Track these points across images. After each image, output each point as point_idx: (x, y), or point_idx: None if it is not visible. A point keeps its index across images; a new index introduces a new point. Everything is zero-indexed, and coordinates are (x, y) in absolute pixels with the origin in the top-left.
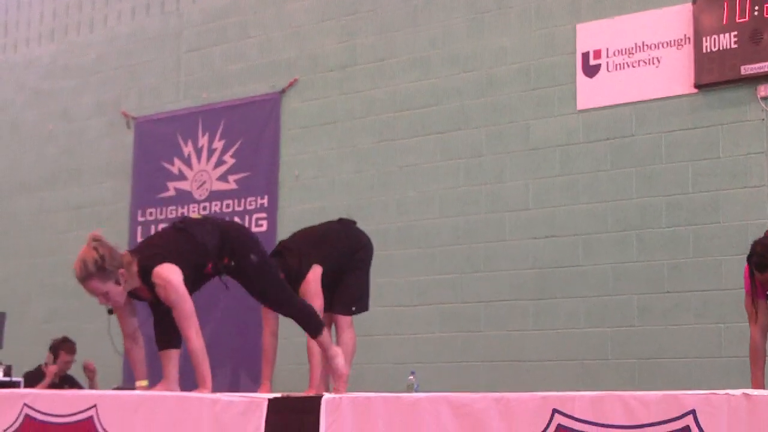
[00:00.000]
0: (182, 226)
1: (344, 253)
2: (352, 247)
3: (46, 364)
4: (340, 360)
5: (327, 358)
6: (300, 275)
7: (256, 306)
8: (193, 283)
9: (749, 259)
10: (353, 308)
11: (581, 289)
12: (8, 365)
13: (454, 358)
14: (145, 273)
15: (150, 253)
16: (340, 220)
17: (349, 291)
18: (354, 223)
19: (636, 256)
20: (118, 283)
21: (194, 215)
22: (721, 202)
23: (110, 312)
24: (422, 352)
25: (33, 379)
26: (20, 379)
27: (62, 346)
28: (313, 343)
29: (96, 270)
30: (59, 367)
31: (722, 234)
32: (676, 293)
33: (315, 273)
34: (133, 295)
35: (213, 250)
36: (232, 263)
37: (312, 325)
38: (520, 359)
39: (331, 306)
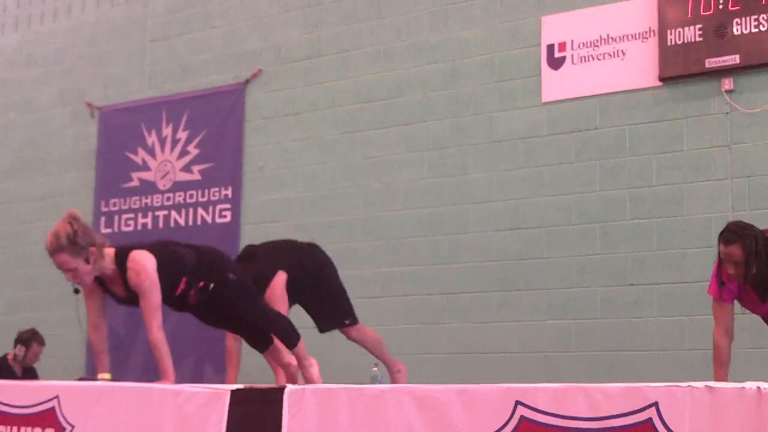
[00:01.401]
0: (162, 240)
1: (309, 267)
2: (317, 261)
3: (15, 355)
4: (315, 370)
5: (302, 368)
6: (266, 279)
7: None
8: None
9: (719, 236)
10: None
11: (545, 281)
12: None
13: (418, 350)
14: (121, 259)
15: (128, 244)
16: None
17: (341, 301)
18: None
19: (599, 249)
20: (87, 261)
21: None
22: (684, 195)
23: (76, 291)
24: (386, 344)
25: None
26: None
27: (34, 338)
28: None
29: (67, 243)
30: (30, 359)
31: (686, 227)
32: (640, 286)
33: (280, 278)
34: (106, 290)
35: (190, 266)
36: (210, 285)
37: (289, 337)
38: (483, 351)
39: (333, 321)
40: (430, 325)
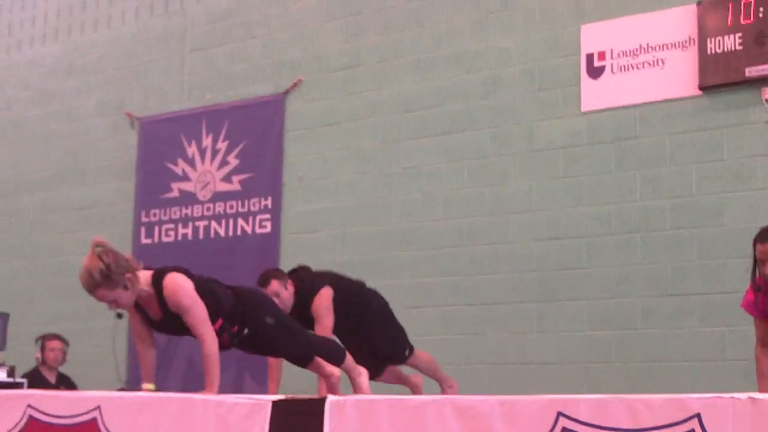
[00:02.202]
0: (203, 276)
1: (357, 294)
2: (364, 294)
3: (37, 359)
4: (364, 379)
5: (351, 380)
6: (312, 291)
7: None
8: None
9: (755, 239)
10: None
11: (585, 291)
12: (12, 366)
13: (457, 361)
14: (157, 281)
15: (166, 267)
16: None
17: (395, 335)
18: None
19: (640, 259)
20: (125, 288)
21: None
22: (725, 205)
23: (119, 316)
24: None
25: (32, 378)
26: (24, 380)
27: (45, 337)
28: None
29: (102, 279)
30: (51, 357)
31: (726, 237)
32: (680, 296)
33: (327, 291)
34: (142, 312)
35: (227, 308)
36: (245, 331)
37: (335, 356)
38: (523, 362)
39: (392, 359)
40: (470, 336)
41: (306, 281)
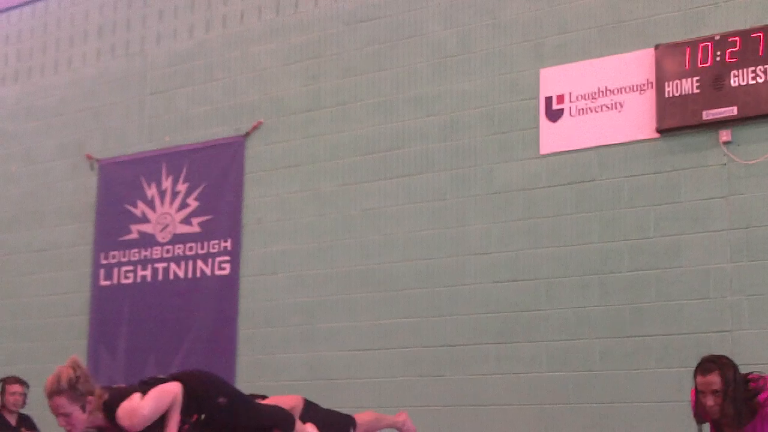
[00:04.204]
0: (149, 381)
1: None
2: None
3: None
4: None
5: None
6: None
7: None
8: None
9: (696, 370)
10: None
11: (543, 333)
12: None
13: (416, 402)
14: (110, 409)
15: (118, 392)
16: None
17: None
18: None
19: (598, 301)
20: (83, 409)
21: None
22: (682, 247)
23: None
24: (384, 396)
25: None
26: None
27: (6, 380)
28: None
29: (67, 387)
30: (11, 401)
31: (684, 278)
32: (638, 337)
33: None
34: None
35: (183, 410)
36: (202, 416)
37: (286, 425)
38: (481, 403)
39: None
40: (429, 377)
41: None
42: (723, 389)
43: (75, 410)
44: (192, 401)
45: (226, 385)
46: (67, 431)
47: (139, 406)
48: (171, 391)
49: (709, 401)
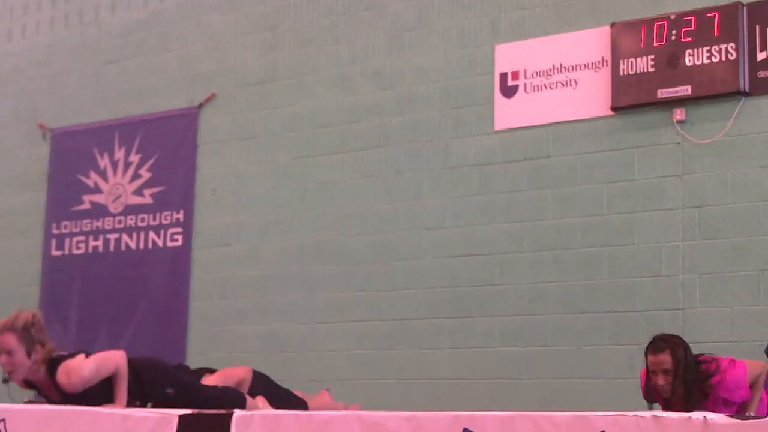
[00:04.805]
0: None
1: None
2: None
3: None
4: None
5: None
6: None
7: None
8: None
9: (647, 348)
10: None
11: (497, 308)
12: None
13: (370, 376)
14: (52, 368)
15: (67, 355)
16: None
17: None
18: None
19: (551, 277)
20: (29, 355)
21: None
22: (635, 225)
23: (5, 381)
24: (338, 369)
25: None
26: None
27: None
28: None
29: (21, 327)
30: None
31: (637, 256)
32: (591, 314)
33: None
34: (42, 393)
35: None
36: (148, 405)
37: (236, 404)
38: (434, 377)
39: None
40: (382, 351)
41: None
42: (674, 368)
43: (20, 352)
44: (137, 388)
45: (175, 374)
46: (7, 372)
47: (79, 366)
48: (114, 359)
49: (660, 380)
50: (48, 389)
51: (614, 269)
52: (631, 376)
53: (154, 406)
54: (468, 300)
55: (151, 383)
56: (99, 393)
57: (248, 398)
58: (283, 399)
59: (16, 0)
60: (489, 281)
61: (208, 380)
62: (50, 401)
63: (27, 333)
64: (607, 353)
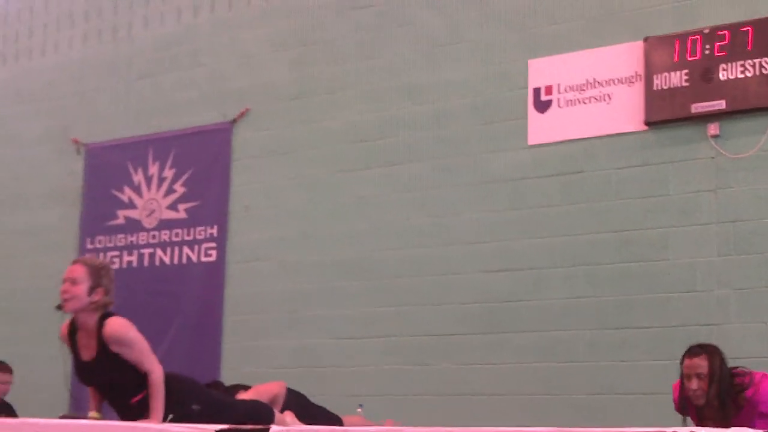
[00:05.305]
0: None
1: None
2: None
3: None
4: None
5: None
6: None
7: (209, 326)
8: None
9: (684, 354)
10: None
11: (530, 323)
12: None
13: (403, 391)
14: (101, 319)
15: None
16: None
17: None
18: None
19: (585, 292)
20: (89, 292)
21: None
22: (670, 239)
23: (59, 307)
24: (371, 385)
25: None
26: None
27: None
28: None
29: (93, 266)
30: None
31: (671, 271)
32: (625, 329)
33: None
34: (74, 351)
35: None
36: (169, 417)
37: (266, 420)
38: (468, 393)
39: None
40: (415, 367)
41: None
42: (709, 374)
43: (84, 285)
44: (167, 399)
45: (202, 392)
46: (62, 299)
47: (131, 326)
48: (156, 369)
49: (694, 385)
50: (88, 338)
51: (649, 284)
52: (667, 391)
53: (175, 419)
54: (501, 315)
55: (179, 397)
56: (137, 408)
57: (276, 413)
58: (318, 415)
59: (49, 16)
60: (522, 296)
61: (242, 396)
62: (78, 363)
63: (96, 272)
64: (641, 369)
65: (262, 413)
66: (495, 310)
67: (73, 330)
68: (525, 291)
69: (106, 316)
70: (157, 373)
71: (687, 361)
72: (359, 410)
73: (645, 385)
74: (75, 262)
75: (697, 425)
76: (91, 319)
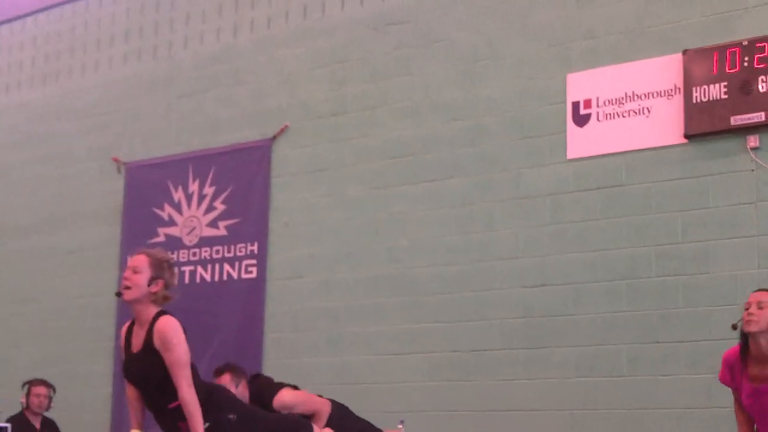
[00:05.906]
0: None
1: None
2: None
3: (22, 404)
4: None
5: None
6: (271, 394)
7: (249, 343)
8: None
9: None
10: None
11: (571, 338)
12: None
13: (443, 407)
14: (156, 315)
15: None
16: None
17: None
18: None
19: (626, 306)
20: (150, 282)
21: None
22: (710, 253)
23: (118, 294)
24: (412, 401)
25: (17, 423)
26: (8, 425)
27: (32, 382)
28: None
29: (160, 258)
30: (35, 403)
31: (712, 284)
32: (666, 343)
33: (286, 390)
34: (127, 343)
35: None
36: (206, 425)
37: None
38: (509, 408)
39: None
40: (456, 383)
41: (264, 388)
42: None
43: (145, 275)
44: (206, 405)
45: (239, 403)
46: (122, 286)
47: (179, 332)
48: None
49: (753, 309)
50: (141, 330)
51: (689, 298)
52: (708, 405)
53: (211, 427)
54: (542, 330)
55: (215, 405)
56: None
57: (316, 429)
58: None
59: (89, 36)
60: (563, 311)
61: (286, 394)
62: (127, 356)
63: (159, 264)
64: (683, 382)
65: (299, 429)
66: (535, 325)
67: (130, 328)
68: (565, 306)
69: (163, 312)
70: (185, 389)
71: (752, 295)
72: (400, 426)
73: (687, 400)
74: (140, 252)
75: (739, 383)
76: (148, 312)
